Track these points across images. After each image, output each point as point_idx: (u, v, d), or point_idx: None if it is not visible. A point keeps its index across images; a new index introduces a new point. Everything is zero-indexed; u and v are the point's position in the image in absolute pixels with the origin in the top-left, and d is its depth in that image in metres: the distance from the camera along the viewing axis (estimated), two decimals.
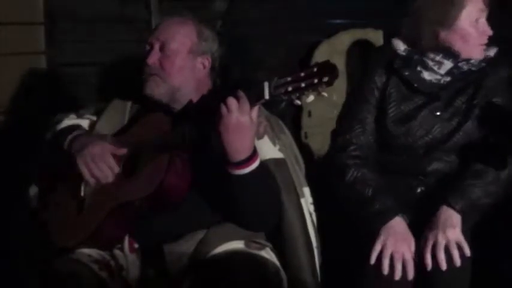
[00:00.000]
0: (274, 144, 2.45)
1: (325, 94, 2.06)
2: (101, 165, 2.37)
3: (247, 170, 2.22)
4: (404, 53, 2.55)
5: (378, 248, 2.38)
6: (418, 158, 2.50)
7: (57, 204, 2.50)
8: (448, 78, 2.51)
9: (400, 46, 2.56)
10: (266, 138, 2.43)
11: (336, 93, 3.57)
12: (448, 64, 2.50)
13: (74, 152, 2.42)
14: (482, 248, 2.40)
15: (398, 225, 2.41)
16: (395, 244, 2.38)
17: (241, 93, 2.17)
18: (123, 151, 2.39)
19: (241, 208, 2.30)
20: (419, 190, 2.51)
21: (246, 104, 2.16)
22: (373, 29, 3.58)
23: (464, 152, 2.49)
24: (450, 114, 2.51)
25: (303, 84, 2.07)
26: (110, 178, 2.38)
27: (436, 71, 2.51)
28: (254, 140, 2.24)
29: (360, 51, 3.69)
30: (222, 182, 2.26)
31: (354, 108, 2.61)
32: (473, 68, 2.50)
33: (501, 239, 2.72)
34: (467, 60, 2.50)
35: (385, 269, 2.36)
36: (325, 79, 2.05)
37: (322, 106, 3.59)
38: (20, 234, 2.77)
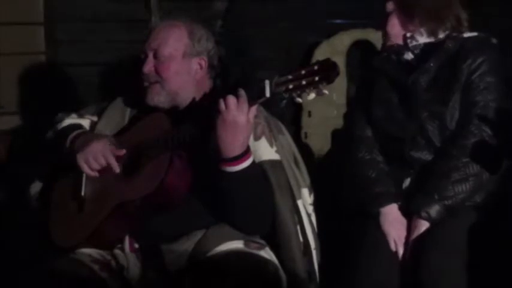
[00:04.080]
0: (271, 145, 2.45)
1: (326, 92, 2.07)
2: (100, 160, 2.37)
3: (237, 167, 2.23)
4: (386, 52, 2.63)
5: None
6: (404, 147, 2.53)
7: (58, 204, 2.50)
8: (415, 60, 2.56)
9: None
10: (263, 139, 2.44)
11: (336, 93, 3.57)
12: (409, 54, 2.57)
13: (75, 150, 2.42)
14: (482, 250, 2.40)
15: (394, 212, 2.47)
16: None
17: (242, 92, 2.17)
18: (122, 152, 2.40)
19: (232, 207, 2.30)
20: (407, 181, 2.53)
21: (244, 104, 2.17)
22: (373, 29, 3.58)
23: (444, 143, 2.50)
24: (428, 101, 2.51)
25: (304, 82, 2.08)
26: (110, 172, 2.37)
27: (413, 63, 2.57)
28: (248, 139, 2.25)
29: (360, 51, 3.69)
30: (215, 180, 2.26)
31: (356, 102, 2.75)
32: (432, 42, 2.54)
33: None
34: (411, 39, 2.54)
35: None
36: (326, 76, 2.05)
37: (322, 106, 3.59)
38: (21, 234, 2.77)
